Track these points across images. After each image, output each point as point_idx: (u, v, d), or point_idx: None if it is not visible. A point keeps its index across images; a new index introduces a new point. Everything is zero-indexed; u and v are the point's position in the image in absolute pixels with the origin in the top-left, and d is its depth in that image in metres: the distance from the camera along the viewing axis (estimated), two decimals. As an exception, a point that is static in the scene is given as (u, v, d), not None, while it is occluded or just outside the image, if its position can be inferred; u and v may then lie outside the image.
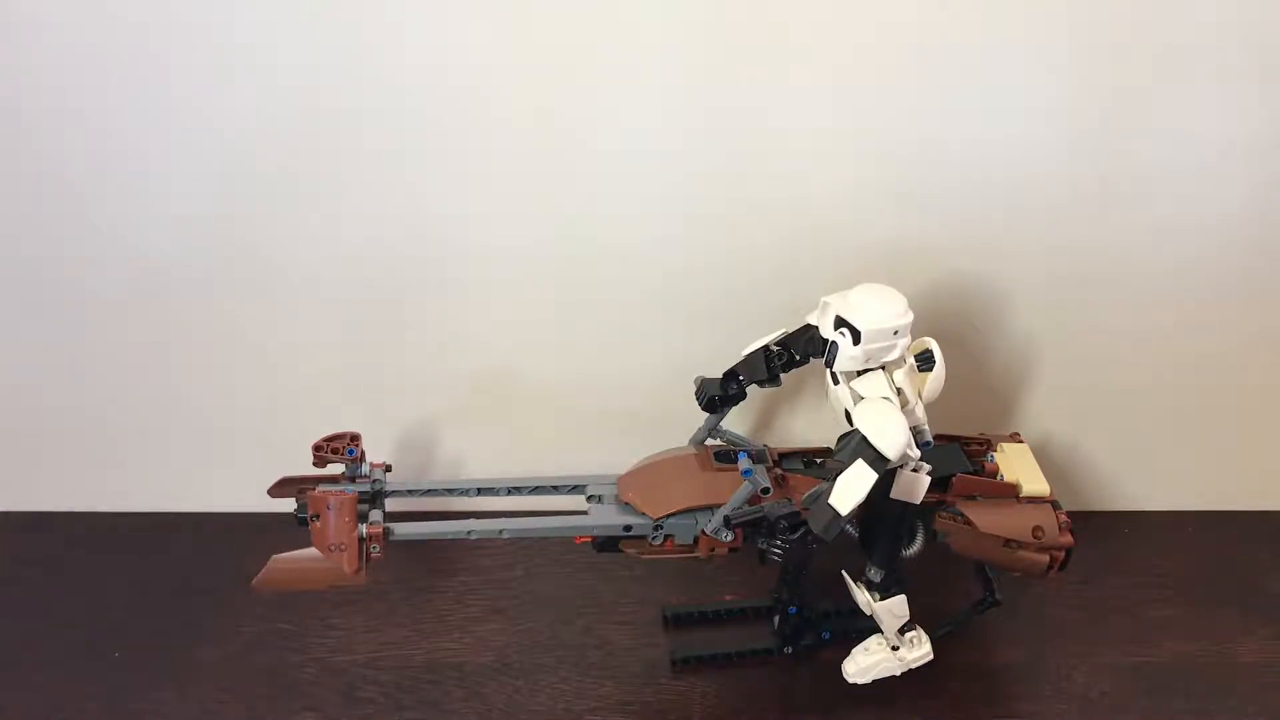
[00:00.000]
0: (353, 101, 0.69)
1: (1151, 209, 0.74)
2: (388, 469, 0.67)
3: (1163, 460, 0.85)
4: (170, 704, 0.70)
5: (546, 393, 0.82)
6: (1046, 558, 0.66)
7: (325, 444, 0.64)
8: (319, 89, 0.69)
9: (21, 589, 0.79)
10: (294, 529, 0.62)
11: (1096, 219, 0.75)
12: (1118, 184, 0.73)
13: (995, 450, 0.70)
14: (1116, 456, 0.85)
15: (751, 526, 0.65)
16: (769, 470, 0.67)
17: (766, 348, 0.65)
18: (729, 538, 0.65)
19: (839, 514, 0.58)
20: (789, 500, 0.64)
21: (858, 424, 0.59)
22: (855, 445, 0.59)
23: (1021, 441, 0.71)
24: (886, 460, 0.58)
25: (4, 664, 0.73)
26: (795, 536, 0.64)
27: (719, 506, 0.64)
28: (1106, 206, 0.74)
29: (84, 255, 0.75)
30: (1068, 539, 0.66)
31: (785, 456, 0.69)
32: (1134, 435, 0.84)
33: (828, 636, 0.74)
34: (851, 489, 0.58)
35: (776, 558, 0.65)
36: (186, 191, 0.73)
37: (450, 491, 0.67)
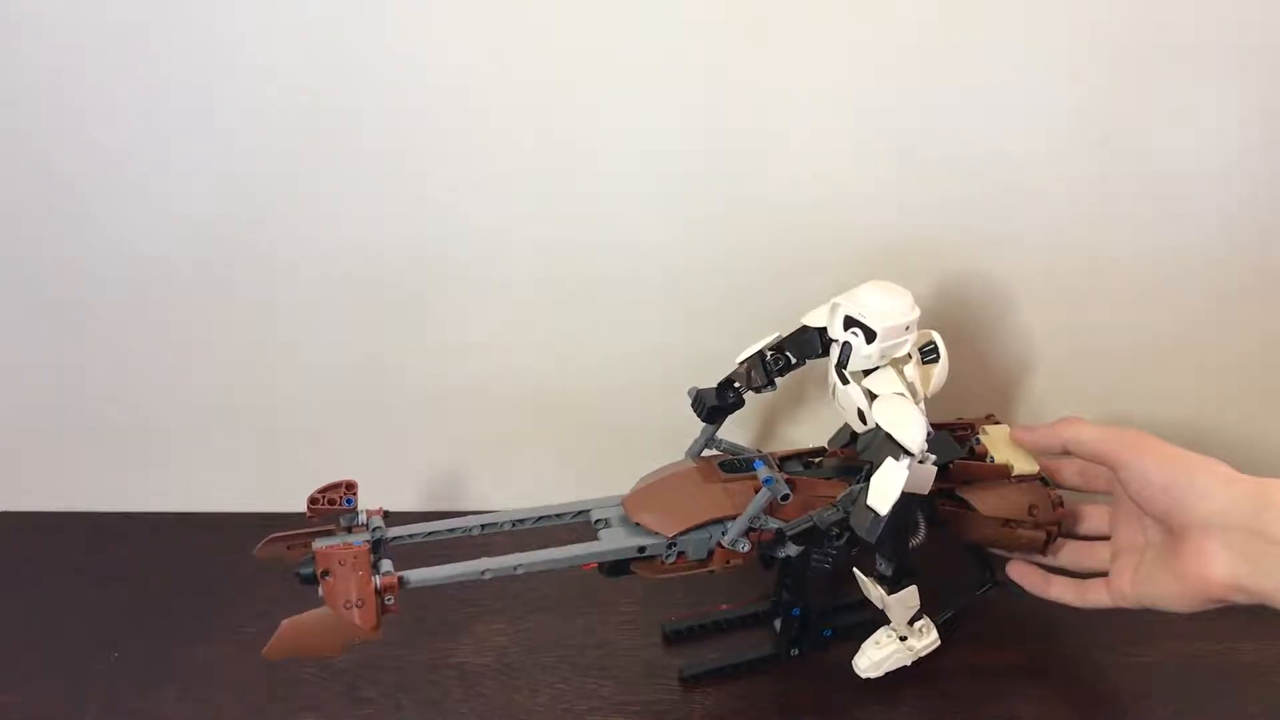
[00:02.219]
0: (354, 102, 0.69)
1: (1153, 207, 0.75)
2: (385, 515, 0.63)
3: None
4: (170, 704, 0.70)
5: (547, 392, 0.82)
6: (1044, 533, 0.68)
7: (321, 496, 0.61)
8: (320, 89, 0.69)
9: (21, 589, 0.79)
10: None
11: (1097, 217, 0.75)
12: (1119, 182, 0.74)
13: (979, 433, 0.71)
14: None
15: (802, 536, 0.64)
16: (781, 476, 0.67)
17: (762, 353, 0.65)
18: (745, 548, 0.65)
19: (879, 514, 0.58)
20: (835, 508, 0.64)
21: (879, 422, 0.59)
22: (881, 443, 0.59)
23: (1000, 423, 0.72)
24: (912, 455, 0.58)
25: (4, 664, 0.73)
26: (842, 542, 0.64)
27: (731, 518, 0.64)
28: (1107, 205, 0.74)
29: (85, 255, 0.75)
30: (1061, 512, 0.68)
31: (784, 460, 0.69)
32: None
33: (829, 635, 0.74)
34: (887, 487, 0.58)
35: (826, 566, 0.66)
36: (187, 192, 0.73)
37: (452, 532, 0.65)
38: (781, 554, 0.66)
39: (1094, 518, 0.70)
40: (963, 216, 0.75)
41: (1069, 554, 0.70)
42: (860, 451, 0.64)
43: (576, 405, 0.82)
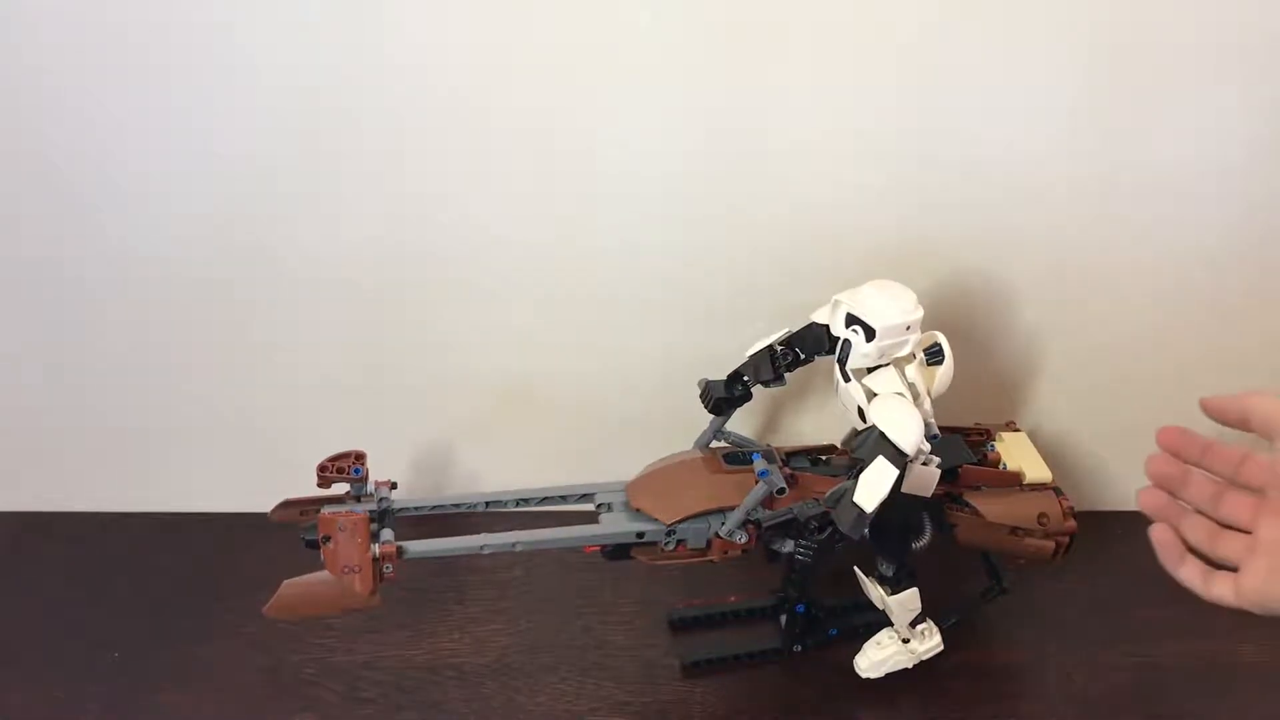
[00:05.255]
0: (355, 102, 0.69)
1: (1153, 207, 0.74)
2: (393, 486, 0.66)
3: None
4: (170, 704, 0.70)
5: (548, 393, 0.82)
6: (1052, 544, 0.67)
7: (330, 464, 0.63)
8: (321, 89, 0.69)
9: (22, 588, 0.79)
10: (294, 530, 0.62)
11: (1098, 217, 0.75)
12: (1119, 183, 0.74)
13: (994, 439, 0.70)
14: (1121, 456, 0.85)
15: (782, 528, 0.64)
16: (779, 470, 0.67)
17: (771, 347, 0.65)
18: (743, 539, 0.65)
19: (864, 511, 0.58)
20: (816, 501, 0.64)
21: (875, 420, 0.60)
22: (875, 442, 0.59)
23: (1018, 430, 0.72)
24: (905, 455, 0.58)
25: (5, 663, 0.73)
26: (823, 536, 0.64)
27: (731, 509, 0.64)
28: (1108, 205, 0.74)
29: (85, 255, 0.75)
30: (1072, 524, 0.67)
31: (792, 455, 0.69)
32: (1137, 434, 0.84)
33: (834, 634, 0.74)
34: (875, 486, 0.58)
35: (805, 558, 0.65)
36: (187, 192, 0.73)
37: (458, 507, 0.67)
38: (782, 548, 0.66)
39: (1235, 504, 0.61)
40: (963, 216, 0.75)
41: (1204, 533, 0.60)
42: (854, 449, 0.64)
43: (579, 406, 0.82)
